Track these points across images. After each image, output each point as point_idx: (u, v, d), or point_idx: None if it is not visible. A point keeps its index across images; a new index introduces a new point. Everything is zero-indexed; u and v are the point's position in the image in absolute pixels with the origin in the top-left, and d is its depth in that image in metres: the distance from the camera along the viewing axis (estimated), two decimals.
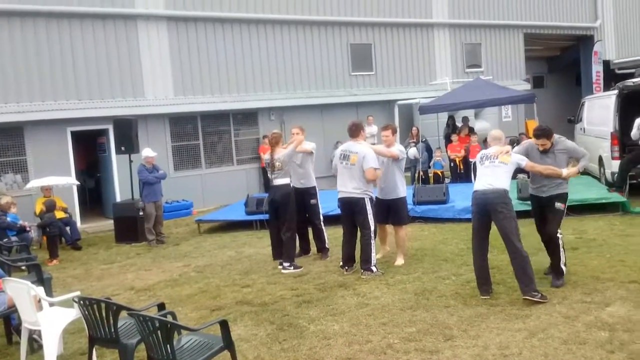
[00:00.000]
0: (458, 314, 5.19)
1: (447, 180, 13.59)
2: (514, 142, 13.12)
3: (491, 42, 20.75)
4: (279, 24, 16.23)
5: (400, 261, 7.18)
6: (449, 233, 8.76)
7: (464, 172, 13.77)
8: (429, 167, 14.35)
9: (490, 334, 4.67)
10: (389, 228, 7.55)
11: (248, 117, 15.78)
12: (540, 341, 4.45)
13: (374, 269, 6.71)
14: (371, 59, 18.12)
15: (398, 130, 14.29)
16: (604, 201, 9.29)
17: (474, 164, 6.80)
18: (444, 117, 15.77)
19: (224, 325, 3.96)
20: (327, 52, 17.20)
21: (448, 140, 14.95)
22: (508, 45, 21.12)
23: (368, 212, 6.71)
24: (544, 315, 4.98)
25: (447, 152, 14.47)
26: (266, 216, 8.14)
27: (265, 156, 7.77)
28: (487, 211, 5.46)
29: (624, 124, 10.38)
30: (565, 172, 5.72)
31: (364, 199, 6.70)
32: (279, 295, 6.30)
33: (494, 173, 5.50)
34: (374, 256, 6.81)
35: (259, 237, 9.79)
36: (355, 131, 6.92)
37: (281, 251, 7.48)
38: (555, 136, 5.92)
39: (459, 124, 15.39)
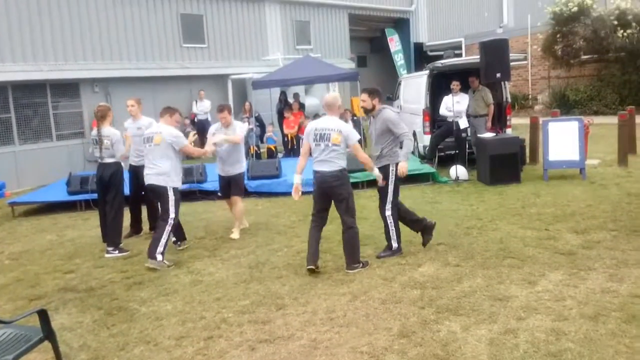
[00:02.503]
0: (290, 284, 5.44)
1: (279, 155, 13.94)
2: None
3: (319, 21, 21.51)
4: None
5: (236, 234, 7.31)
6: (282, 207, 9.06)
7: (296, 147, 14.23)
8: (262, 142, 14.58)
9: (319, 300, 4.99)
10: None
11: (68, 88, 14.47)
12: (362, 303, 4.86)
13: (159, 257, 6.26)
14: (203, 31, 17.72)
15: (232, 105, 14.32)
16: (417, 172, 10.14)
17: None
18: (276, 92, 16.06)
19: (43, 314, 3.71)
20: (156, 20, 16.43)
21: (281, 116, 15.29)
22: (334, 24, 22.08)
23: (170, 199, 6.34)
24: (366, 279, 5.43)
25: (281, 127, 14.79)
26: (92, 195, 7.65)
27: (93, 131, 7.26)
28: (327, 192, 5.68)
29: (435, 102, 11.54)
30: (376, 171, 5.78)
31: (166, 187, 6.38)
32: (107, 279, 6.02)
33: (330, 155, 5.58)
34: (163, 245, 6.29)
35: (84, 218, 9.18)
36: (163, 113, 6.59)
37: None
38: (382, 106, 6.01)
39: (290, 99, 15.80)
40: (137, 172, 7.38)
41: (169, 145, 6.34)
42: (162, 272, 6.07)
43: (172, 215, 6.32)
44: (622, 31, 18.52)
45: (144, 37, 16.15)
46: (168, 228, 6.31)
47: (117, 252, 6.89)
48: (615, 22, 18.90)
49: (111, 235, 7.01)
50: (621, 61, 19.23)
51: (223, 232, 7.62)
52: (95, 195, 7.74)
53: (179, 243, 7.03)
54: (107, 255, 6.87)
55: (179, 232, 7.00)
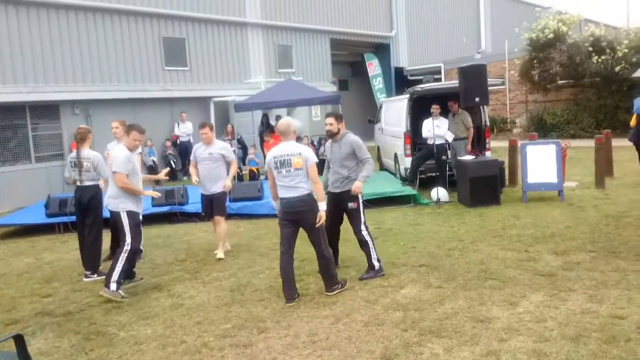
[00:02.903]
0: (272, 307, 5.39)
1: (261, 177, 13.93)
2: (322, 139, 14.01)
3: (301, 45, 21.76)
4: (82, 11, 15.08)
5: (221, 254, 7.28)
6: (264, 229, 9.03)
7: None
8: (244, 164, 14.58)
9: (301, 323, 4.95)
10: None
11: (48, 110, 14.36)
12: (345, 325, 4.83)
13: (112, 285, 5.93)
14: (185, 54, 17.79)
15: (214, 128, 14.34)
16: (398, 194, 10.28)
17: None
18: (258, 115, 16.13)
19: (19, 339, 3.59)
20: (138, 44, 16.45)
21: (262, 138, 15.34)
22: (316, 48, 22.36)
23: (126, 228, 6.07)
24: (349, 301, 5.41)
25: (262, 150, 14.82)
26: (71, 218, 7.54)
27: (72, 154, 7.16)
28: (295, 219, 5.55)
29: (415, 125, 11.67)
30: (323, 206, 5.56)
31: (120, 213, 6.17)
32: (86, 302, 5.91)
33: (294, 180, 5.46)
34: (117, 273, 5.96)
35: (62, 241, 9.03)
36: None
37: None
38: (345, 130, 6.19)
39: (272, 122, 15.86)
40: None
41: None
42: (142, 296, 5.98)
43: (127, 240, 6.01)
44: (596, 57, 19.03)
45: (126, 60, 16.15)
46: (124, 255, 5.95)
47: (95, 275, 6.77)
48: (590, 49, 19.44)
49: (89, 259, 6.88)
50: (596, 86, 19.73)
51: (204, 255, 7.55)
52: (74, 218, 7.62)
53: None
54: (85, 279, 6.75)
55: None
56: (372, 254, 6.09)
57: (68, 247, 8.55)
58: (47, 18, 14.37)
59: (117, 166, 6.01)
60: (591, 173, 11.02)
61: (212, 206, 7.35)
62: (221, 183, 7.32)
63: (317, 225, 5.52)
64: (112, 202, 6.13)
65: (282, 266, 5.58)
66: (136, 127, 6.20)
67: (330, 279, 5.66)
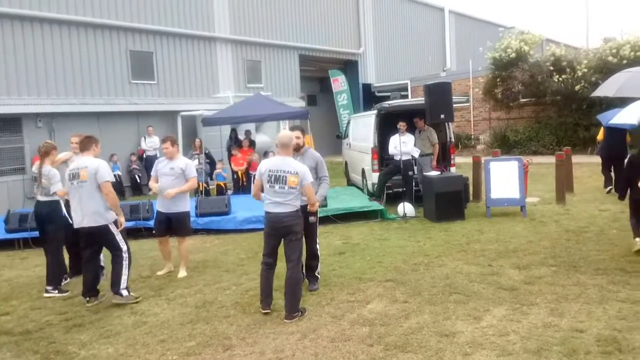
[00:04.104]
0: (237, 323, 5.34)
1: (229, 192, 13.85)
2: (268, 152, 14.04)
3: (270, 60, 21.83)
4: (48, 23, 14.83)
5: (183, 273, 7.17)
6: (231, 244, 8.96)
7: (246, 184, 14.18)
8: (212, 179, 14.47)
9: (267, 339, 4.91)
10: (171, 243, 7.46)
11: (10, 123, 13.97)
12: (311, 341, 4.81)
13: (124, 292, 6.20)
14: (153, 68, 17.63)
15: (182, 142, 14.20)
16: (366, 209, 10.37)
17: (254, 176, 6.78)
18: (226, 129, 16.07)
19: None
20: (105, 57, 16.24)
21: (231, 153, 15.27)
22: (285, 64, 22.46)
23: (117, 236, 6.18)
24: (315, 316, 5.40)
25: (230, 165, 14.75)
26: (32, 234, 7.36)
27: (34, 167, 7.02)
28: (280, 232, 5.54)
29: (383, 141, 11.81)
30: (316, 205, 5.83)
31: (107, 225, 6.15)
32: (45, 321, 5.74)
33: (286, 198, 5.41)
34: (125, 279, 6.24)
35: (22, 257, 8.78)
36: (86, 144, 6.28)
37: None
38: (307, 147, 6.38)
39: (241, 137, 15.82)
40: None
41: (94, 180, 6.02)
42: (104, 314, 5.85)
43: (123, 248, 6.16)
44: (557, 76, 19.62)
45: (91, 73, 15.91)
46: (124, 263, 6.15)
47: (56, 292, 6.62)
48: (551, 68, 20.03)
49: (52, 274, 6.72)
50: (557, 104, 20.31)
51: (169, 270, 7.42)
52: (35, 233, 7.43)
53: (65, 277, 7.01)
54: (45, 295, 6.58)
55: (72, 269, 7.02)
56: (319, 266, 6.38)
57: (27, 263, 8.31)
58: (12, 29, 14.08)
59: (109, 175, 6.10)
60: (552, 189, 11.31)
61: (173, 226, 7.20)
62: (184, 203, 7.21)
63: (312, 209, 5.76)
64: (97, 217, 6.03)
65: (263, 275, 5.62)
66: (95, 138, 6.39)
67: (292, 302, 5.41)
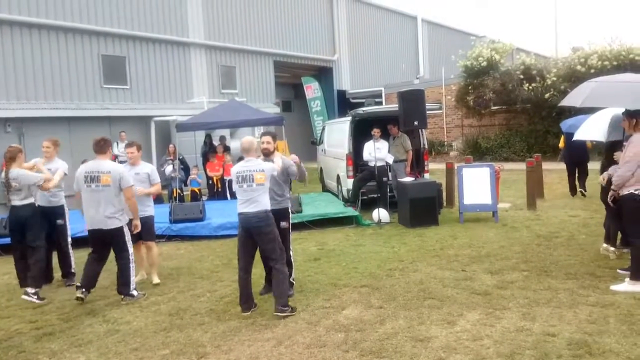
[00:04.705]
0: (212, 331, 5.29)
1: (204, 198, 13.73)
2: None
3: (245, 66, 21.79)
4: (18, 26, 14.56)
5: (156, 279, 7.09)
6: (206, 250, 8.88)
7: (221, 190, 14.08)
8: (186, 185, 14.32)
9: (242, 347, 4.87)
10: (143, 249, 7.35)
11: None
12: (286, 348, 4.79)
13: (135, 292, 6.45)
14: (125, 73, 17.42)
15: (155, 148, 14.06)
16: (341, 215, 10.38)
17: (229, 181, 6.87)
18: (201, 135, 15.94)
19: None
20: (76, 61, 16.00)
21: (205, 159, 15.15)
22: (260, 70, 22.45)
23: (127, 238, 6.41)
24: (291, 323, 5.38)
25: (205, 170, 14.63)
26: (4, 240, 7.19)
27: (2, 174, 6.85)
28: (252, 235, 5.70)
29: (357, 147, 11.87)
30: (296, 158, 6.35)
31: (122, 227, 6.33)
32: (15, 330, 5.60)
33: (253, 194, 5.65)
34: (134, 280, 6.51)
35: None
36: (103, 146, 6.39)
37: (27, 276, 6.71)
38: (278, 153, 6.37)
39: (215, 142, 15.71)
40: (47, 214, 7.07)
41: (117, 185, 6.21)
42: (75, 322, 5.73)
43: (130, 250, 6.36)
44: (527, 85, 20.04)
45: (62, 77, 15.65)
46: (130, 265, 6.35)
47: (35, 297, 6.50)
48: (521, 76, 20.46)
49: (34, 277, 6.60)
50: (527, 112, 20.73)
51: (142, 278, 7.32)
52: (6, 240, 7.26)
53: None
54: (24, 297, 6.48)
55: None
56: (293, 272, 6.40)
57: None
58: None
59: (132, 180, 6.38)
60: (523, 195, 11.52)
61: (141, 231, 7.08)
62: (148, 208, 7.15)
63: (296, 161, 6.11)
64: (115, 220, 6.19)
65: (240, 281, 5.75)
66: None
67: (281, 296, 5.60)
